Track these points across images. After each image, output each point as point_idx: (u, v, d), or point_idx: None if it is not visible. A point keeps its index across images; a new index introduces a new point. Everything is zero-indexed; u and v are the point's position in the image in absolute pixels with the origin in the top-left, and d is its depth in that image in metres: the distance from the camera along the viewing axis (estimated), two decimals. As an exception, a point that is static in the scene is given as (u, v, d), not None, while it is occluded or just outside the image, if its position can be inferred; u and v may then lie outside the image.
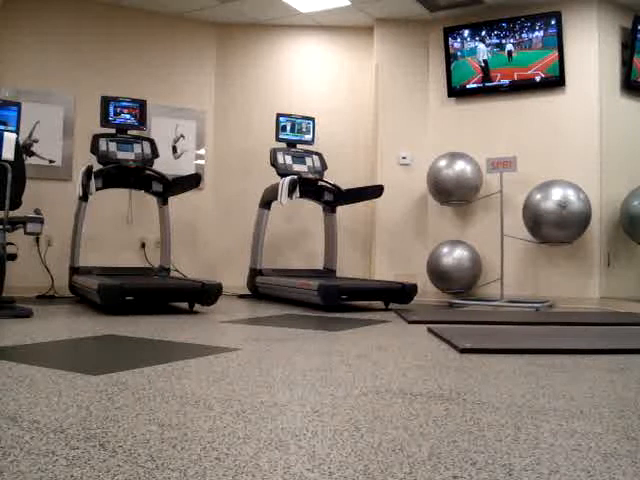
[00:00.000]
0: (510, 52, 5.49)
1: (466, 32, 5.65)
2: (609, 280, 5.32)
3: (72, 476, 1.19)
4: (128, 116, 5.26)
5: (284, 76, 6.35)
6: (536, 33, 5.36)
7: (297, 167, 5.48)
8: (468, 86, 5.74)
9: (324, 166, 5.66)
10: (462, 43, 5.67)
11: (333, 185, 5.64)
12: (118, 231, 5.72)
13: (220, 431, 1.51)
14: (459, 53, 5.70)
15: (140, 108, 5.32)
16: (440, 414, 1.71)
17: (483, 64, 5.63)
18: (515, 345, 2.97)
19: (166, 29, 6.07)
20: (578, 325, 3.90)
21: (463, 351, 2.75)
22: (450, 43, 5.71)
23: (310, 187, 5.51)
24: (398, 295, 4.81)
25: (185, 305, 4.44)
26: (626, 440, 1.48)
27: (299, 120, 5.75)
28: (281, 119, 5.66)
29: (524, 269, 5.48)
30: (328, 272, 5.67)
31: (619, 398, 1.94)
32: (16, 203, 3.98)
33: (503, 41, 5.50)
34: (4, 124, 4.32)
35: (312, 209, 5.96)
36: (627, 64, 5.43)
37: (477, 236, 5.63)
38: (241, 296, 5.70)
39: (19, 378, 2.05)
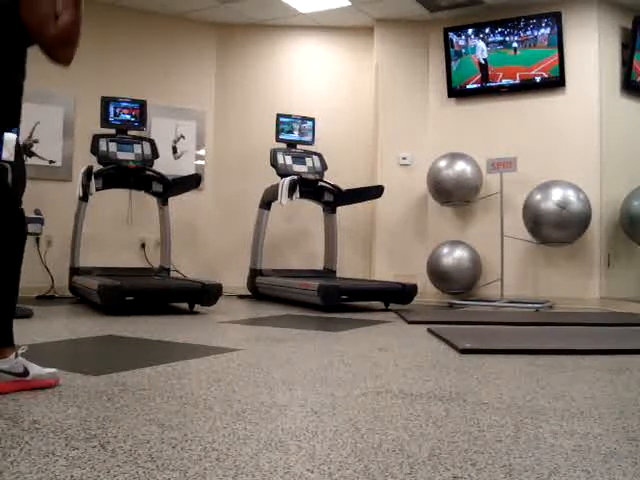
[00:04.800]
0: (515, 49, 5.48)
1: (469, 30, 5.64)
2: (609, 280, 5.32)
3: (72, 476, 1.19)
4: (128, 116, 5.26)
5: (284, 76, 6.35)
6: (542, 30, 5.35)
7: (297, 167, 5.48)
8: (468, 86, 5.74)
9: (324, 166, 5.66)
10: (466, 40, 5.66)
11: (333, 185, 5.63)
12: (118, 231, 5.72)
13: (220, 431, 1.51)
14: (463, 51, 5.70)
15: (140, 108, 5.31)
16: (440, 414, 1.71)
17: (483, 62, 5.63)
18: (515, 345, 2.97)
19: (166, 29, 6.07)
20: (578, 325, 3.90)
21: (463, 351, 2.75)
22: (455, 41, 5.71)
23: (310, 187, 5.50)
24: (398, 295, 4.81)
25: (185, 305, 4.44)
26: (626, 441, 1.48)
27: (299, 120, 5.74)
28: (281, 119, 5.66)
29: (524, 269, 5.47)
30: (328, 272, 5.67)
31: (619, 398, 1.94)
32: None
33: (507, 39, 5.50)
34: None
35: (312, 209, 5.96)
36: (627, 64, 5.43)
37: (477, 236, 5.62)
38: (241, 296, 5.70)
39: (19, 378, 2.05)
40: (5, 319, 1.84)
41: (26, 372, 1.83)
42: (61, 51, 1.78)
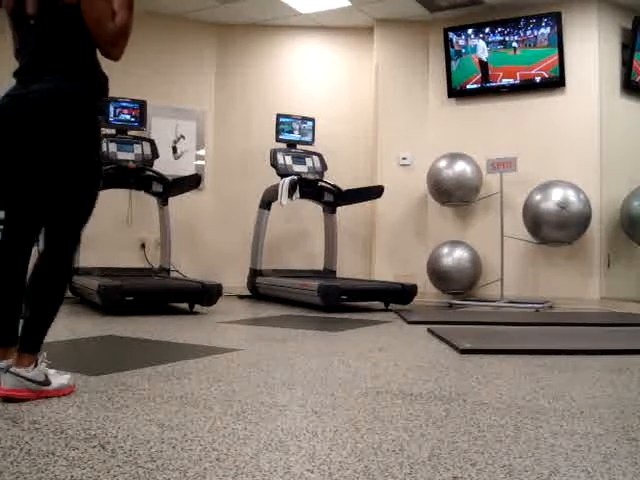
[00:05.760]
0: (515, 49, 5.48)
1: (470, 30, 5.64)
2: (609, 280, 5.31)
3: (72, 476, 1.19)
4: (128, 116, 5.26)
5: (284, 76, 6.35)
6: (542, 30, 5.35)
7: (297, 168, 5.48)
8: (468, 86, 5.73)
9: (324, 166, 5.65)
10: (466, 40, 5.66)
11: (333, 185, 5.63)
12: (118, 231, 5.72)
13: (220, 431, 1.51)
14: (463, 51, 5.70)
15: (140, 108, 5.31)
16: (440, 415, 1.71)
17: (484, 62, 5.62)
18: (515, 346, 2.97)
19: (166, 29, 6.07)
20: (578, 326, 3.90)
21: (463, 352, 2.75)
22: (455, 41, 5.70)
23: (310, 188, 5.50)
24: (398, 295, 4.81)
25: (185, 306, 4.44)
26: (626, 441, 1.48)
27: (299, 120, 5.74)
28: (281, 119, 5.65)
29: (524, 270, 5.47)
30: (328, 272, 5.67)
31: (619, 399, 1.94)
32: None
33: (507, 38, 5.50)
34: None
35: (312, 209, 5.96)
36: (627, 64, 5.43)
37: (477, 237, 5.62)
38: (241, 296, 5.70)
39: (19, 378, 2.05)
40: (43, 329, 1.91)
41: (47, 381, 1.83)
42: (115, 47, 1.97)
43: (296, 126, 5.72)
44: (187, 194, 5.56)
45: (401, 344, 3.09)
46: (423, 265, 5.60)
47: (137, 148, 5.17)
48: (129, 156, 5.09)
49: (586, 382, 2.18)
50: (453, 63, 5.75)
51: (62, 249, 1.94)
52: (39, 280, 1.90)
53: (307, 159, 5.60)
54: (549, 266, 5.39)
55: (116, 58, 2.01)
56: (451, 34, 5.72)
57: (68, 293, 5.12)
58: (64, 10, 1.90)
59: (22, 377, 1.77)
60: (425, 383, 2.12)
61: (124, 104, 5.24)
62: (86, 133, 1.92)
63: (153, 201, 5.48)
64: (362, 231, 6.20)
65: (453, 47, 5.73)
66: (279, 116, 5.64)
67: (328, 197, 5.69)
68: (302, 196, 5.33)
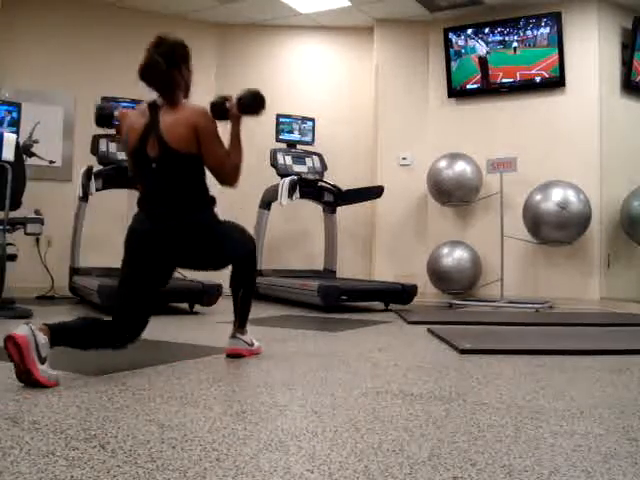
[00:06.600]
0: (515, 49, 5.49)
1: (469, 30, 5.64)
2: (609, 281, 5.31)
3: (72, 476, 1.19)
4: (128, 116, 5.25)
5: (284, 76, 6.34)
6: (541, 30, 5.35)
7: (297, 168, 5.47)
8: (468, 86, 5.73)
9: (324, 167, 5.65)
10: (466, 40, 5.66)
11: (333, 186, 5.63)
12: (118, 231, 5.69)
13: (220, 432, 1.51)
14: (463, 51, 5.70)
15: (140, 108, 5.30)
16: (440, 415, 1.71)
17: (484, 61, 5.62)
18: (515, 346, 2.97)
19: (166, 29, 5.97)
20: (578, 326, 3.90)
21: (463, 352, 2.75)
22: (455, 41, 5.70)
23: (310, 188, 5.49)
24: (398, 296, 4.80)
25: (185, 306, 4.44)
26: (626, 441, 1.48)
27: (299, 120, 5.74)
28: (281, 119, 5.65)
29: (524, 270, 5.47)
30: (328, 273, 5.66)
31: (619, 398, 1.94)
32: (16, 203, 3.98)
33: (507, 38, 5.50)
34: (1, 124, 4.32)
35: (312, 210, 5.95)
36: (627, 64, 5.43)
37: (477, 237, 5.62)
38: (241, 296, 5.69)
39: (19, 378, 2.05)
40: (246, 314, 2.58)
41: (45, 360, 1.95)
42: (233, 179, 2.53)
43: (296, 126, 5.72)
44: (187, 194, 5.54)
45: (401, 344, 3.09)
46: (423, 265, 5.60)
47: (137, 148, 5.16)
48: (129, 156, 5.08)
49: (586, 382, 2.18)
50: (453, 63, 5.75)
51: (248, 276, 2.67)
52: (237, 290, 2.59)
53: (307, 159, 5.60)
54: (549, 266, 5.39)
55: (234, 186, 2.55)
56: (451, 34, 5.72)
57: (67, 293, 5.14)
58: (185, 157, 2.28)
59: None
60: (425, 383, 2.12)
61: (124, 104, 5.23)
62: (216, 228, 2.53)
63: (153, 201, 5.46)
64: (362, 231, 6.20)
65: (453, 47, 5.73)
66: (279, 116, 5.64)
67: (328, 197, 5.69)
68: (302, 196, 5.32)
